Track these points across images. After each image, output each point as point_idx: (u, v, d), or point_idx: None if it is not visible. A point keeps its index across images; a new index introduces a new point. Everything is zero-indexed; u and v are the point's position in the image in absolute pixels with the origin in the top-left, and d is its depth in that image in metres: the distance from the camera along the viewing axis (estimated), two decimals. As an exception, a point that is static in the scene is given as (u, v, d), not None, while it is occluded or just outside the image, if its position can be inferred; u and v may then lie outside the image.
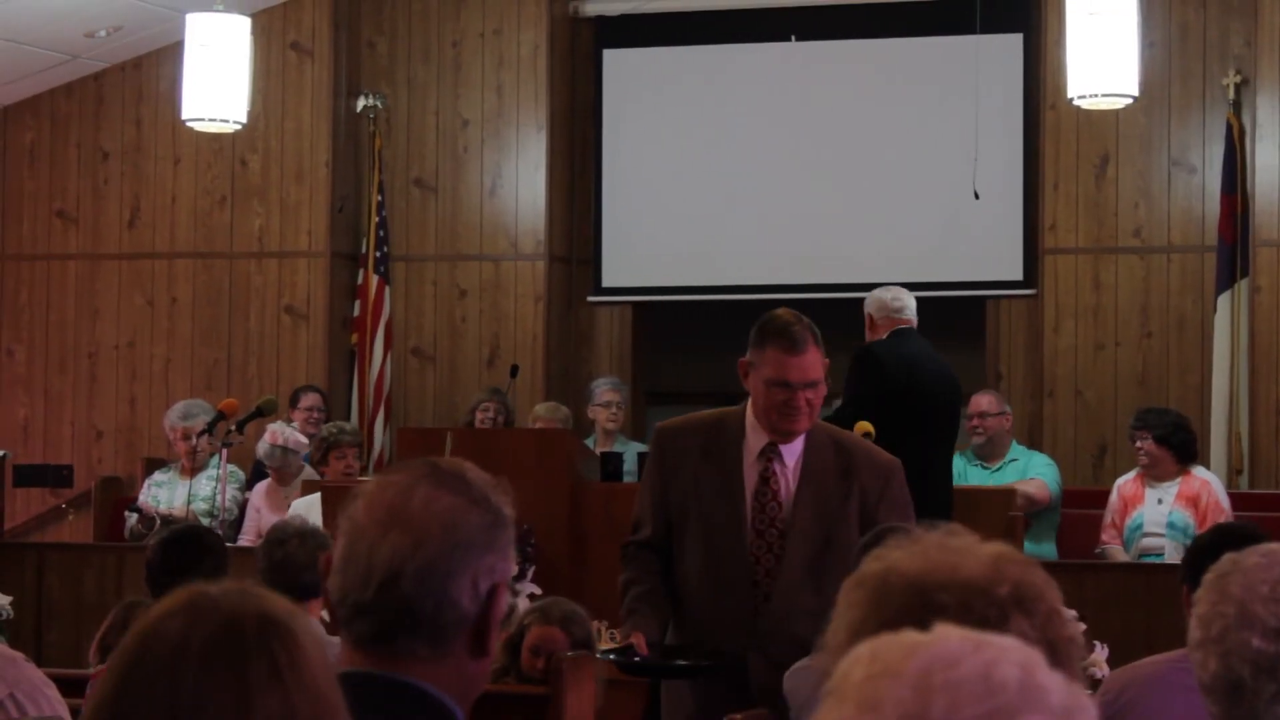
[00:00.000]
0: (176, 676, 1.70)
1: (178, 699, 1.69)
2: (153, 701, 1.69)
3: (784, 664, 4.56)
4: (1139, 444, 8.58)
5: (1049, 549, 8.89)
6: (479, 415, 9.68)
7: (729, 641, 4.75)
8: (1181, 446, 8.55)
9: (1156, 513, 8.52)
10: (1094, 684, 5.84)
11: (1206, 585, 2.53)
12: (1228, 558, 2.57)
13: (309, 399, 9.88)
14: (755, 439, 4.83)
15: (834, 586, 5.06)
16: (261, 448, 9.16)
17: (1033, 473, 8.94)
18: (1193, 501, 8.46)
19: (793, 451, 4.81)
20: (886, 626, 1.62)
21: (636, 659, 4.70)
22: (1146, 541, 8.50)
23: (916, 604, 1.69)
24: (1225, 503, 8.47)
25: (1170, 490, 8.52)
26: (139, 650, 1.74)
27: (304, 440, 9.30)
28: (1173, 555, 8.37)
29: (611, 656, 4.79)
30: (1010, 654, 1.36)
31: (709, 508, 4.83)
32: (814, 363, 4.75)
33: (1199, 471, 8.59)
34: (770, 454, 4.82)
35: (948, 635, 1.38)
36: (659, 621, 4.84)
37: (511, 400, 9.88)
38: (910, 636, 1.38)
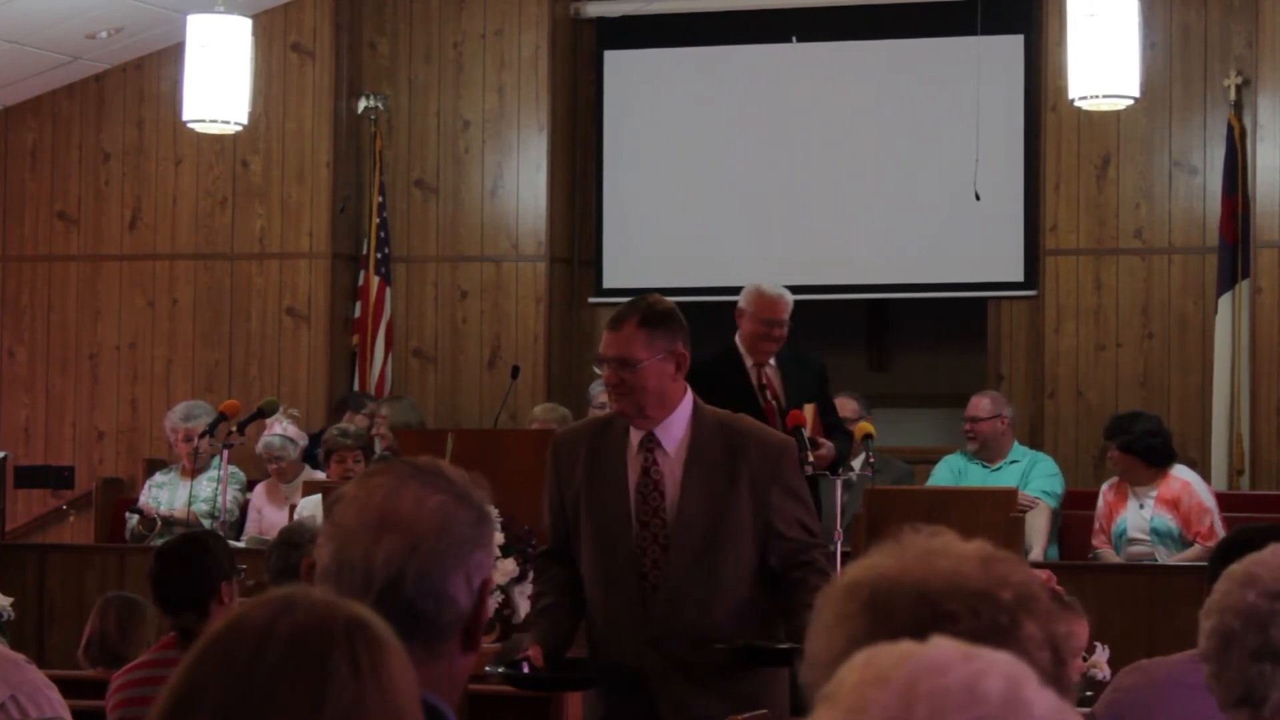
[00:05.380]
0: (258, 657, 1.70)
1: (254, 678, 1.69)
2: (230, 678, 1.70)
3: (677, 658, 4.55)
4: (1109, 455, 8.63)
5: (1051, 550, 8.89)
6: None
7: (623, 637, 4.67)
8: (1148, 452, 8.48)
9: (1139, 518, 8.51)
10: (1094, 685, 5.84)
11: (1228, 571, 2.60)
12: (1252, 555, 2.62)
13: (374, 407, 9.74)
14: (636, 431, 4.71)
15: (727, 574, 4.68)
16: (263, 441, 9.19)
17: (1034, 484, 8.90)
18: (1173, 505, 8.43)
19: (673, 438, 4.68)
20: (896, 636, 1.63)
21: (526, 672, 4.61)
22: (1134, 549, 8.47)
23: (925, 614, 1.69)
24: (1209, 502, 8.43)
25: (1150, 495, 8.49)
26: (225, 631, 1.75)
27: (303, 434, 9.32)
28: (1165, 561, 8.37)
29: (501, 669, 4.69)
30: (999, 667, 1.38)
31: (596, 507, 4.71)
32: (626, 340, 4.62)
33: (1178, 472, 8.53)
34: (649, 444, 4.70)
35: (941, 645, 1.39)
36: (560, 633, 4.73)
37: (512, 400, 9.88)
38: (906, 645, 1.39)
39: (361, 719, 1.70)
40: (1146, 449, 8.47)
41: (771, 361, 7.61)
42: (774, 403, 7.54)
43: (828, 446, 7.32)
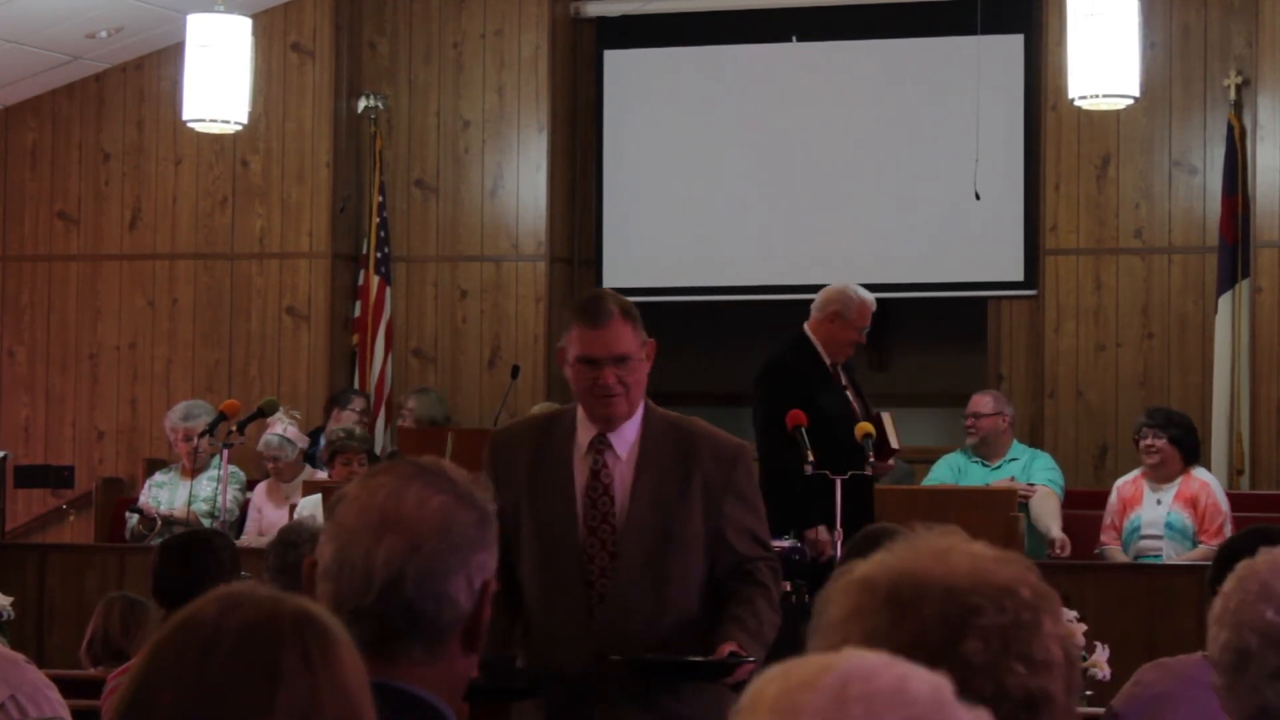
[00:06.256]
0: (208, 655, 1.72)
1: (206, 676, 1.70)
2: (182, 677, 1.71)
3: (622, 668, 4.28)
4: (1150, 442, 8.58)
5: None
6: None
7: (565, 647, 4.41)
8: (1191, 448, 8.62)
9: (1155, 514, 8.53)
10: (1094, 684, 5.84)
11: (1236, 569, 2.56)
12: (1262, 550, 2.59)
13: (359, 402, 9.95)
14: (585, 433, 4.44)
15: (676, 583, 4.43)
16: (262, 439, 9.21)
17: (1037, 476, 8.93)
18: (1191, 503, 8.48)
19: (625, 441, 4.43)
20: (925, 631, 1.67)
21: None
22: (1144, 543, 8.52)
23: (954, 609, 1.72)
24: (1224, 504, 8.49)
25: (1169, 491, 8.54)
26: (175, 631, 1.76)
27: (304, 435, 9.33)
28: (1171, 556, 8.39)
29: None
30: (921, 672, 1.44)
31: (541, 510, 4.45)
32: (620, 335, 4.35)
33: (1198, 473, 8.62)
34: (600, 445, 4.43)
35: (861, 654, 1.45)
36: (495, 642, 4.28)
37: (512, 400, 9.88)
38: (822, 657, 1.44)
39: (315, 711, 1.71)
40: (1192, 445, 8.59)
41: None
42: (855, 404, 7.55)
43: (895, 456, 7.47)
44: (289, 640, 1.73)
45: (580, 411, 4.47)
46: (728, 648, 4.24)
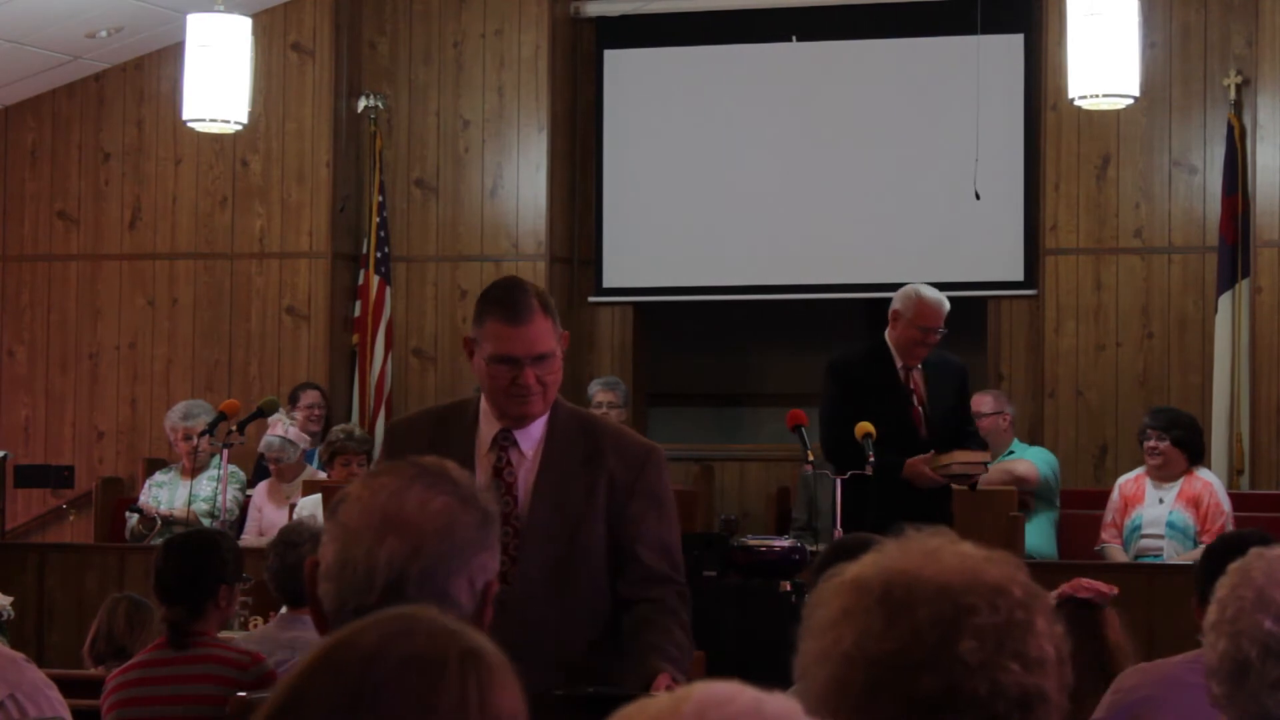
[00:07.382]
0: (366, 675, 1.67)
1: (361, 694, 1.66)
2: (334, 699, 1.66)
3: (559, 702, 3.94)
4: (1154, 444, 8.58)
5: (1050, 549, 8.90)
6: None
7: None
8: (1196, 449, 8.63)
9: (1157, 512, 8.54)
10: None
11: (1229, 573, 2.54)
12: (1254, 551, 2.57)
13: (309, 396, 9.96)
14: (488, 427, 4.16)
15: (581, 592, 4.18)
16: (263, 440, 9.21)
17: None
18: (1194, 502, 8.49)
19: (530, 437, 4.14)
20: (919, 631, 1.67)
21: None
22: (1145, 543, 8.52)
23: (947, 608, 1.73)
24: (1226, 504, 8.50)
25: (1172, 490, 8.55)
26: (333, 649, 1.71)
27: (305, 435, 9.32)
28: (1171, 555, 8.40)
29: None
30: (774, 696, 1.47)
31: None
32: (542, 333, 4.06)
33: (1201, 473, 8.63)
34: (504, 442, 4.14)
35: (708, 684, 1.47)
36: None
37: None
38: (667, 695, 1.47)
39: None
40: (1196, 445, 8.61)
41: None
42: (920, 408, 7.52)
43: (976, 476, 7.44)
44: (451, 679, 1.68)
45: (484, 404, 4.18)
46: (664, 680, 3.94)
